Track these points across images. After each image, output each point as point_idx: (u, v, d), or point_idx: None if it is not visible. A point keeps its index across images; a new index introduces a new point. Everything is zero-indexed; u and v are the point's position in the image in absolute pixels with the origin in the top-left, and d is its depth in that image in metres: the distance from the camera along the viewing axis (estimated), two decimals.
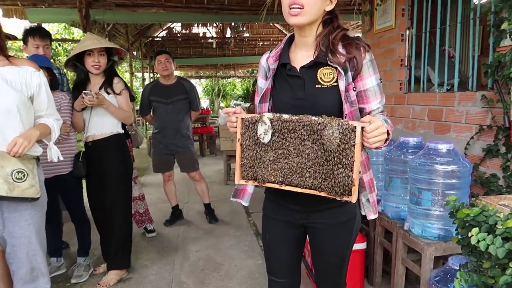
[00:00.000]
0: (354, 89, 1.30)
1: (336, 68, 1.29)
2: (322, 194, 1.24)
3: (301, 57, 1.38)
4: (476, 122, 2.33)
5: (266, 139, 1.28)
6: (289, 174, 1.28)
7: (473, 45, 2.47)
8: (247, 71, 20.71)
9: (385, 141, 1.26)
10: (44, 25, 8.96)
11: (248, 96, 20.60)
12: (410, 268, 2.15)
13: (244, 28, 11.81)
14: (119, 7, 6.13)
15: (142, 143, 4.45)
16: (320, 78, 1.32)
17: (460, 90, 2.58)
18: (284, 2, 1.28)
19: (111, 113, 2.65)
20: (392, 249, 2.31)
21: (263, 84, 1.46)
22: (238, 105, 16.08)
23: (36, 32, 2.94)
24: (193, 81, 21.98)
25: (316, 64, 1.33)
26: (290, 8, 1.24)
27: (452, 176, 1.90)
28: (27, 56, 2.84)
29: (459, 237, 1.56)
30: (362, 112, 1.35)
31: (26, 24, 6.86)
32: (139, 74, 13.37)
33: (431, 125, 2.78)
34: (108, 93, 2.64)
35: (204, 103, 21.09)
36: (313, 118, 1.21)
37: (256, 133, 1.30)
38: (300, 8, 1.24)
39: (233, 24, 10.84)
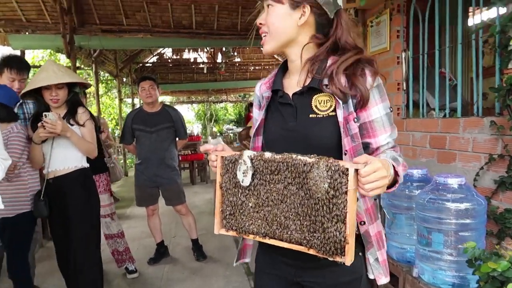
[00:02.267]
0: (355, 120, 1.07)
1: (333, 95, 1.08)
2: (311, 252, 1.00)
3: (295, 82, 1.17)
4: (485, 151, 2.12)
5: (246, 181, 1.07)
6: (273, 225, 1.06)
7: (477, 67, 2.29)
8: (239, 96, 20.67)
9: (393, 185, 1.03)
10: (29, 51, 8.83)
11: (241, 120, 20.50)
12: None
13: (235, 53, 11.76)
14: (105, 32, 5.99)
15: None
16: (315, 106, 1.11)
17: (464, 116, 2.38)
18: None
19: (74, 143, 2.38)
20: None
21: (257, 114, 1.28)
22: (231, 129, 15.98)
23: (13, 64, 2.68)
24: (185, 106, 21.94)
25: (310, 90, 1.12)
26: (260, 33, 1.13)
27: (466, 216, 1.67)
28: None
29: None
30: (368, 148, 1.12)
31: (6, 51, 6.67)
32: (129, 100, 13.18)
33: (434, 153, 2.57)
34: (72, 125, 2.40)
35: (197, 127, 20.93)
36: (299, 157, 1.00)
37: (236, 174, 1.09)
38: (267, 32, 1.13)
39: (223, 49, 10.78)
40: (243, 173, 1.08)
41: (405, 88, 2.95)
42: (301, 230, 1.01)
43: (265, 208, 1.07)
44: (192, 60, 12.37)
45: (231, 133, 14.61)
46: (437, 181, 1.78)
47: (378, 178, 0.88)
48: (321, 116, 1.10)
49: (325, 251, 0.97)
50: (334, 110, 1.09)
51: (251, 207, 1.10)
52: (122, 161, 10.09)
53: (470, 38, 2.30)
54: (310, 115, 1.12)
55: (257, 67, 13.46)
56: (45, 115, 2.22)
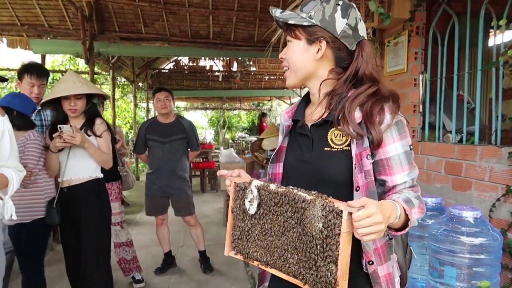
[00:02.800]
0: (368, 156, 1.05)
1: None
2: (306, 287, 1.01)
3: (314, 113, 1.18)
4: (502, 182, 2.07)
5: (252, 210, 1.11)
6: (274, 254, 1.09)
7: (496, 96, 2.25)
8: (253, 104, 20.73)
9: (404, 228, 1.00)
10: (49, 56, 9.01)
11: (253, 128, 20.52)
12: None
13: (251, 63, 11.80)
14: (124, 40, 6.06)
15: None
16: (331, 139, 1.11)
17: (481, 144, 2.34)
18: None
19: (90, 154, 2.42)
20: None
21: (280, 141, 1.31)
22: (243, 137, 15.97)
23: (33, 70, 2.76)
24: (198, 112, 22.07)
25: (326, 123, 1.12)
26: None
27: (480, 251, 1.63)
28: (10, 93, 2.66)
29: None
30: (384, 186, 1.09)
31: (29, 55, 6.84)
32: (144, 105, 13.32)
33: (449, 179, 2.52)
34: (89, 135, 2.44)
35: (209, 134, 21.02)
36: (299, 193, 1.01)
37: (244, 201, 1.13)
38: (287, 67, 1.16)
39: (239, 58, 10.83)
40: (250, 201, 1.12)
41: (421, 111, 2.92)
42: (297, 265, 1.03)
43: (268, 237, 1.10)
44: (208, 67, 12.44)
45: (243, 141, 14.65)
46: (452, 213, 1.74)
47: (372, 223, 0.86)
48: (336, 150, 1.10)
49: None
50: (349, 145, 1.08)
51: (256, 234, 1.13)
52: (134, 164, 10.18)
53: (490, 66, 2.25)
54: (325, 148, 1.11)
55: (272, 77, 13.47)
56: (59, 127, 2.26)
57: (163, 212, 3.71)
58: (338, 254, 0.92)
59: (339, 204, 0.92)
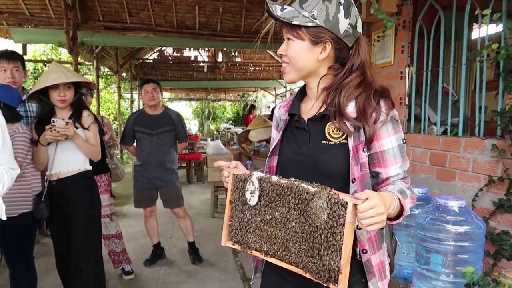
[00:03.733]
0: (365, 150, 1.10)
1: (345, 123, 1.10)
2: (308, 275, 1.04)
3: (311, 107, 1.21)
4: (485, 172, 2.15)
5: (253, 201, 1.12)
6: (275, 245, 1.11)
7: (480, 89, 2.32)
8: (238, 95, 20.68)
9: (398, 217, 1.06)
10: (30, 45, 8.78)
11: (238, 119, 20.50)
12: None
13: (236, 53, 11.77)
14: (108, 30, 5.98)
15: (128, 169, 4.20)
16: (328, 133, 1.14)
17: (465, 135, 2.41)
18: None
19: (78, 147, 2.41)
20: None
21: (274, 135, 1.33)
22: (228, 129, 15.95)
23: (2, 55, 2.75)
24: (183, 103, 21.89)
25: (324, 117, 1.15)
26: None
27: (465, 238, 1.70)
28: None
29: None
30: (378, 177, 1.14)
31: (9, 44, 6.67)
32: (128, 95, 13.16)
33: (434, 170, 2.60)
34: (76, 128, 2.41)
35: (194, 125, 20.90)
36: (303, 185, 1.03)
37: (245, 193, 1.14)
38: (287, 63, 1.16)
39: (225, 49, 10.78)
40: (251, 193, 1.13)
41: (407, 103, 2.98)
42: (299, 254, 1.05)
43: (268, 228, 1.11)
44: (192, 58, 12.35)
45: (229, 132, 14.64)
46: (438, 202, 1.81)
47: (376, 214, 0.90)
48: (333, 143, 1.13)
49: (320, 277, 1.01)
50: (346, 138, 1.11)
51: (256, 225, 1.14)
52: (119, 156, 10.08)
53: (477, 56, 2.31)
54: (323, 141, 1.15)
55: (257, 68, 13.48)
56: (53, 121, 2.23)
57: (152, 204, 3.70)
58: (342, 244, 0.95)
59: (343, 196, 0.95)
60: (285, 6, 1.11)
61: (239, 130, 11.52)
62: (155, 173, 3.56)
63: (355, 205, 0.92)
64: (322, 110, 1.16)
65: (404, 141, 1.14)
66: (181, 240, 4.20)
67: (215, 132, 16.76)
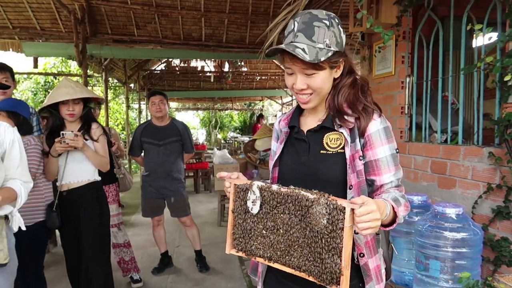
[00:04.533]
0: (361, 158, 1.17)
1: (342, 133, 1.19)
2: (311, 278, 1.10)
3: (310, 120, 1.30)
4: (484, 180, 2.19)
5: (255, 210, 1.18)
6: (277, 250, 1.16)
7: (478, 97, 2.37)
8: (245, 104, 20.81)
9: (391, 224, 1.11)
10: (41, 59, 9.00)
11: (245, 128, 20.61)
12: None
13: (242, 63, 11.88)
14: (117, 42, 6.11)
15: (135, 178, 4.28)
16: (326, 143, 1.22)
17: (464, 143, 2.46)
18: (289, 86, 1.22)
19: (88, 158, 2.51)
20: None
21: (275, 147, 1.40)
22: (235, 138, 16.03)
23: None
24: (190, 112, 22.07)
25: (323, 129, 1.24)
26: (297, 93, 1.20)
27: (462, 245, 1.74)
28: None
29: None
30: (373, 185, 1.21)
31: (21, 58, 6.82)
32: (136, 106, 13.34)
33: (435, 178, 2.64)
34: (86, 140, 2.51)
35: (201, 134, 21.04)
36: (302, 192, 1.10)
37: (246, 202, 1.20)
38: (310, 94, 1.19)
39: (231, 59, 10.90)
40: (253, 202, 1.19)
41: (407, 112, 3.03)
42: (302, 258, 1.10)
43: (271, 235, 1.17)
44: (199, 68, 12.49)
45: (236, 141, 14.71)
46: (436, 210, 1.86)
47: (371, 219, 0.96)
48: (331, 152, 1.20)
49: (322, 280, 1.06)
50: (343, 147, 1.19)
51: (259, 232, 1.20)
52: (127, 166, 10.20)
53: (467, 70, 2.37)
54: (321, 151, 1.22)
55: (263, 77, 13.58)
56: (62, 134, 2.34)
57: (159, 213, 3.78)
58: (342, 247, 1.01)
59: (341, 202, 1.01)
60: (298, 46, 1.11)
61: (246, 139, 11.59)
62: (163, 183, 3.64)
63: (352, 210, 0.98)
64: (320, 123, 1.23)
65: (397, 150, 1.21)
66: (188, 248, 4.26)
67: (222, 141, 16.86)
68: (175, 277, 3.71)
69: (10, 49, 6.30)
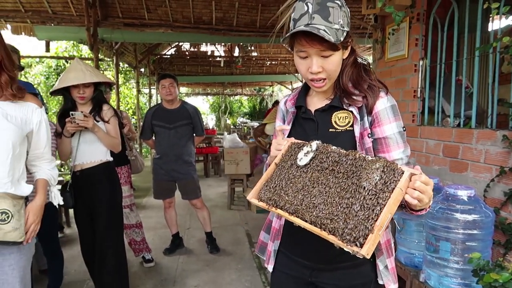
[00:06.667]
0: (369, 135, 1.17)
1: (352, 112, 1.19)
2: (331, 238, 0.98)
3: (317, 100, 1.30)
4: (497, 163, 2.18)
5: (304, 161, 1.15)
6: (306, 205, 1.08)
7: (493, 80, 2.33)
8: (254, 89, 20.74)
9: (422, 209, 1.06)
10: (53, 42, 9.04)
11: (255, 113, 20.59)
12: None
13: (252, 48, 11.80)
14: (127, 26, 6.12)
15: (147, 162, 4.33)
16: (335, 122, 1.22)
17: (478, 127, 2.43)
18: (301, 72, 1.21)
19: (99, 139, 2.54)
20: None
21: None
22: (244, 123, 16.04)
23: None
24: (200, 97, 22.10)
25: (331, 108, 1.23)
26: (311, 79, 1.19)
27: (473, 227, 1.74)
28: None
29: None
30: None
31: (33, 41, 6.87)
32: (146, 90, 13.39)
33: (447, 161, 2.63)
34: (97, 121, 2.54)
35: (211, 120, 21.09)
36: (362, 154, 1.07)
37: (297, 156, 1.18)
38: (325, 78, 1.18)
39: (241, 43, 10.84)
40: (306, 153, 1.16)
41: (420, 96, 3.00)
42: (331, 215, 1.01)
43: (307, 190, 1.11)
44: (209, 53, 12.45)
45: (245, 126, 14.74)
46: (447, 192, 1.85)
47: (426, 192, 0.94)
48: (340, 130, 1.21)
49: (344, 238, 0.95)
50: (352, 125, 1.19)
51: (295, 185, 1.14)
52: (138, 150, 10.32)
53: (488, 50, 2.33)
54: (330, 130, 1.22)
55: (273, 62, 13.49)
56: (72, 114, 2.37)
57: (171, 195, 3.83)
58: (384, 206, 0.94)
59: (401, 166, 0.99)
60: (319, 27, 1.09)
61: (256, 124, 11.60)
62: (174, 166, 3.68)
63: (410, 177, 0.95)
64: (329, 102, 1.24)
65: (404, 129, 1.21)
66: (199, 230, 4.32)
67: (231, 127, 16.90)
68: (186, 257, 3.78)
69: (23, 33, 6.34)
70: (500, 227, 2.11)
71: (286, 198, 1.13)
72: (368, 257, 0.91)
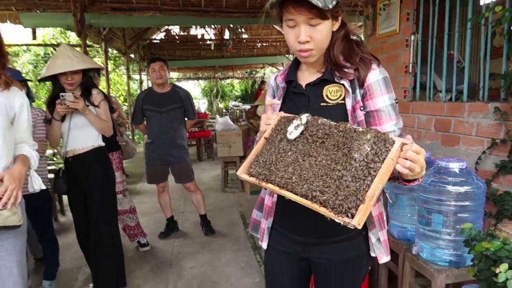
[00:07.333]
0: (362, 108, 1.16)
1: (343, 85, 1.17)
2: (322, 210, 0.97)
3: (308, 74, 1.27)
4: (488, 136, 2.18)
5: (294, 134, 1.14)
6: (296, 178, 1.07)
7: (484, 53, 2.31)
8: (246, 72, 20.58)
9: (415, 179, 1.05)
10: (40, 31, 8.86)
11: (247, 97, 20.47)
12: None
13: (243, 30, 11.66)
14: (115, 11, 5.97)
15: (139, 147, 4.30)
16: (326, 95, 1.20)
17: (469, 100, 2.43)
18: (290, 44, 1.18)
19: (90, 122, 2.50)
20: (399, 272, 2.16)
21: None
22: (237, 106, 15.96)
23: None
24: (191, 82, 21.90)
25: (322, 82, 1.21)
26: (299, 50, 1.15)
27: (465, 198, 1.75)
28: None
29: (476, 269, 1.41)
30: None
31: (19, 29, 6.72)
32: (136, 76, 13.23)
33: (438, 136, 2.63)
34: (87, 106, 2.50)
35: (203, 104, 20.95)
36: (352, 126, 1.06)
37: (287, 130, 1.16)
38: (313, 49, 1.15)
39: (231, 25, 10.70)
40: (295, 127, 1.14)
41: (411, 71, 2.98)
42: (321, 187, 1.00)
43: (297, 163, 1.10)
44: (199, 36, 12.29)
45: (237, 110, 14.66)
46: (439, 165, 1.85)
47: (418, 161, 0.93)
48: (332, 104, 1.19)
49: (336, 209, 0.95)
50: (343, 99, 1.17)
51: (285, 159, 1.13)
52: (130, 137, 10.24)
53: (480, 22, 2.31)
54: (321, 104, 1.20)
55: (264, 44, 13.37)
56: (61, 95, 2.33)
57: (164, 179, 3.82)
58: (375, 176, 0.93)
59: (391, 136, 0.97)
60: None
61: (248, 107, 11.54)
62: (166, 150, 3.65)
63: (401, 147, 0.94)
64: (320, 75, 1.21)
65: (397, 101, 1.19)
66: (193, 214, 4.33)
67: (224, 110, 16.80)
68: (181, 240, 3.79)
69: (8, 21, 6.19)
70: (491, 198, 2.12)
71: (277, 172, 1.12)
72: (360, 227, 0.90)
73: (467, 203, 1.75)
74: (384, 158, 0.94)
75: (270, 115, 1.23)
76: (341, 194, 0.96)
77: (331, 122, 1.10)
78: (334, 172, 1.01)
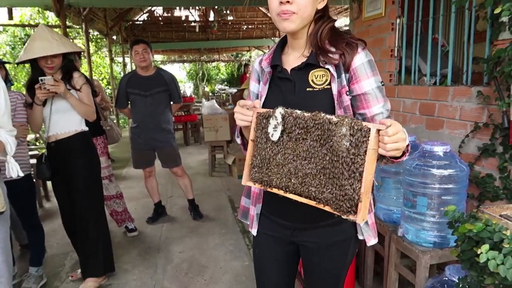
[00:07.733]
0: (347, 93, 1.16)
1: (328, 70, 1.16)
2: (327, 208, 1.04)
3: (293, 58, 1.25)
4: (471, 119, 2.22)
5: (275, 136, 1.13)
6: (296, 180, 1.10)
7: (468, 37, 2.33)
8: (232, 55, 20.36)
9: (403, 154, 1.07)
10: (17, 10, 8.54)
11: (233, 80, 20.31)
12: (404, 275, 2.06)
13: (228, 11, 11.49)
14: None
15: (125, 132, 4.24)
16: (312, 80, 1.19)
17: (453, 84, 2.46)
18: (272, 8, 1.15)
19: (72, 106, 2.45)
20: (385, 253, 2.22)
21: (255, 88, 1.36)
22: (223, 90, 15.83)
23: None
24: (176, 65, 21.57)
25: (307, 66, 1.20)
26: (279, 14, 1.13)
27: (449, 181, 1.79)
28: None
29: (459, 250, 1.46)
30: (364, 120, 1.19)
31: None
32: (120, 59, 12.95)
33: (423, 119, 2.66)
34: (68, 89, 2.44)
35: (189, 88, 20.72)
36: (326, 116, 1.04)
37: (268, 131, 1.15)
38: (294, 12, 1.12)
39: (216, 7, 10.51)
40: (274, 128, 1.13)
41: (396, 55, 2.99)
42: (319, 187, 1.05)
43: (289, 164, 1.12)
44: (183, 18, 12.06)
45: (224, 93, 14.55)
46: (424, 149, 1.89)
47: (399, 139, 0.94)
48: (317, 89, 1.18)
49: (339, 209, 1.01)
50: (329, 84, 1.17)
51: (277, 161, 1.14)
52: (115, 121, 10.09)
53: (464, 6, 2.32)
54: (307, 89, 1.19)
55: (250, 26, 13.21)
56: (40, 79, 2.26)
57: (150, 164, 3.79)
58: (363, 171, 0.96)
59: (366, 123, 0.97)
60: None
61: (234, 90, 11.46)
62: (152, 134, 3.62)
63: (378, 132, 0.95)
64: (305, 60, 1.20)
65: (383, 83, 1.20)
66: (181, 198, 4.33)
67: (210, 94, 16.65)
68: (169, 225, 3.80)
69: None
70: (474, 181, 2.18)
71: (274, 176, 1.15)
72: (364, 222, 1.01)
73: (450, 185, 1.79)
74: (365, 150, 0.96)
75: (244, 110, 1.21)
76: (339, 193, 1.01)
77: (304, 114, 1.08)
78: (326, 171, 1.04)
